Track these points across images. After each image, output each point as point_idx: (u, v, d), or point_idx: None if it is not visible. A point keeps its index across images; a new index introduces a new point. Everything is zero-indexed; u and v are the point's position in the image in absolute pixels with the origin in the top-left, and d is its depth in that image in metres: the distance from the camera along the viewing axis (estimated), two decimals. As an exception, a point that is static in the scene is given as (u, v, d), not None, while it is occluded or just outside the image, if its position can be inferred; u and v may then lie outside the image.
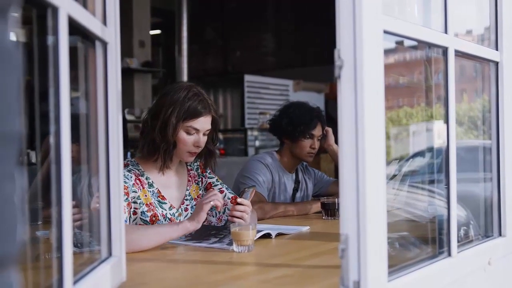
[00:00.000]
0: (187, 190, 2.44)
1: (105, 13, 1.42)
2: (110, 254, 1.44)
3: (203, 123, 2.30)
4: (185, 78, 9.46)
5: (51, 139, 1.04)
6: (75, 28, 1.16)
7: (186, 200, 2.42)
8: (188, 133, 2.28)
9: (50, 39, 1.06)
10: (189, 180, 2.46)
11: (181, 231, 2.05)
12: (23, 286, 0.66)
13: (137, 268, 1.74)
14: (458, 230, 1.68)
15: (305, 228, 2.46)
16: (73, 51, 1.12)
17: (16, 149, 0.63)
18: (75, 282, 1.14)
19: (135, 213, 2.22)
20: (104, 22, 1.42)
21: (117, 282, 1.46)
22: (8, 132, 0.61)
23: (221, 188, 2.48)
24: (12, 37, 0.64)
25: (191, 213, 2.38)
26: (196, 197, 2.46)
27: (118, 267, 1.46)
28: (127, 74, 7.40)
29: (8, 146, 0.61)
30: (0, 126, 0.60)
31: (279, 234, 2.28)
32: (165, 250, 2.00)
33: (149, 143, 2.29)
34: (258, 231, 2.12)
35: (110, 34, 1.43)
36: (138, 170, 2.31)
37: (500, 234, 1.90)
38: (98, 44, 1.40)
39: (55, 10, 1.04)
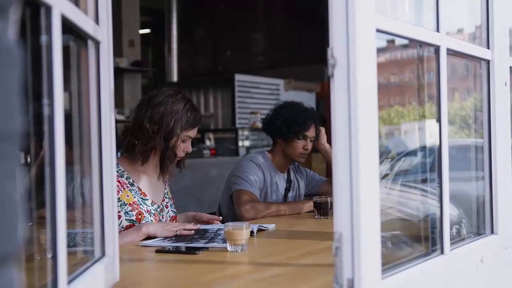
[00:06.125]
0: (165, 189, 2.57)
1: (98, 12, 1.42)
2: (103, 254, 1.44)
3: (196, 131, 2.47)
4: (175, 78, 9.46)
5: (45, 140, 1.04)
6: (67, 27, 1.15)
7: (166, 198, 2.55)
8: (183, 141, 2.41)
9: (43, 38, 1.05)
10: (166, 181, 2.58)
11: (141, 236, 2.18)
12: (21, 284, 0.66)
13: (130, 268, 1.73)
14: (451, 228, 1.69)
15: (271, 226, 2.48)
16: (64, 50, 1.12)
17: (17, 148, 0.63)
18: (69, 282, 1.13)
19: (119, 217, 2.25)
20: (97, 21, 1.41)
21: (111, 282, 1.45)
22: (10, 130, 0.61)
23: (170, 202, 2.62)
24: (12, 36, 0.64)
25: (171, 210, 2.54)
26: (170, 197, 2.60)
27: (112, 267, 1.46)
28: (116, 73, 7.32)
29: (10, 144, 0.62)
30: (2, 124, 0.60)
31: (260, 230, 2.34)
32: (158, 251, 2.00)
33: (150, 150, 2.37)
34: None
35: (103, 33, 1.43)
36: (117, 171, 2.34)
37: (492, 232, 1.91)
38: (90, 44, 1.39)
39: (48, 9, 1.03)
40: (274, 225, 2.50)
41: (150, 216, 2.37)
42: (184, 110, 2.38)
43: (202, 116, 2.49)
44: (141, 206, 2.36)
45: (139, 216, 2.33)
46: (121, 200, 2.30)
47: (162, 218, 2.45)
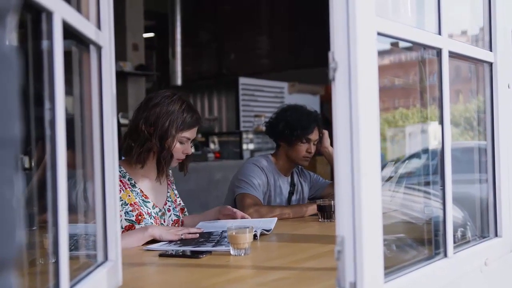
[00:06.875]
0: (168, 192, 2.56)
1: (99, 17, 1.42)
2: (106, 258, 1.44)
3: (195, 132, 2.46)
4: (179, 81, 9.47)
5: (47, 144, 1.04)
6: (69, 32, 1.16)
7: (168, 201, 2.54)
8: (181, 142, 2.41)
9: (44, 44, 1.06)
10: (168, 184, 2.58)
11: (147, 237, 2.17)
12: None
13: (133, 272, 1.73)
14: (455, 231, 1.69)
15: (274, 220, 2.53)
16: (67, 55, 1.12)
17: (15, 154, 0.64)
18: (71, 286, 1.13)
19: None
20: (98, 26, 1.41)
21: (113, 286, 1.45)
22: (8, 137, 0.62)
23: (173, 206, 2.59)
24: (11, 42, 0.64)
25: (173, 214, 2.53)
26: (173, 200, 2.58)
27: (114, 271, 1.46)
28: (120, 77, 7.39)
29: (8, 151, 0.62)
30: (0, 130, 0.61)
31: (262, 234, 2.34)
32: (162, 255, 2.00)
33: (146, 151, 2.37)
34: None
35: (104, 38, 1.43)
36: (120, 172, 2.35)
37: (496, 235, 1.90)
38: (92, 48, 1.40)
39: (49, 14, 1.04)
40: (276, 218, 2.54)
41: (150, 219, 2.37)
42: (180, 111, 2.37)
43: (200, 117, 2.49)
44: (141, 207, 2.36)
45: (139, 217, 2.33)
46: (122, 200, 2.31)
47: (164, 221, 2.45)
